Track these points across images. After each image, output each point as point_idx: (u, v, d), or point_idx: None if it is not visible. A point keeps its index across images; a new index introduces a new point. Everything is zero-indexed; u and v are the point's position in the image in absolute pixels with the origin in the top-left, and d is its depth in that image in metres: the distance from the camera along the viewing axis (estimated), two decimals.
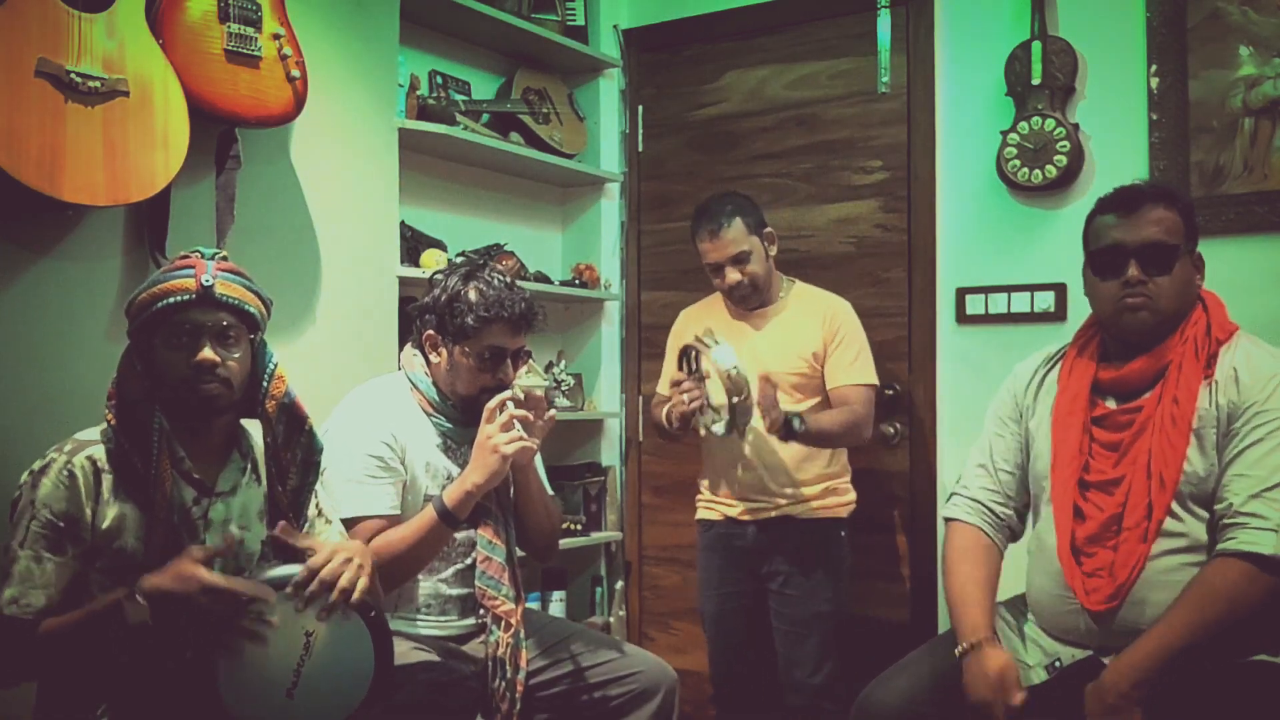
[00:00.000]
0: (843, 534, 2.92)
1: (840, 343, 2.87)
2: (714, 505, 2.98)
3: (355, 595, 1.83)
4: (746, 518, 2.91)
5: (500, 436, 2.23)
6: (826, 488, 2.89)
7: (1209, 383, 2.02)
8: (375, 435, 2.30)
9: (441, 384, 2.39)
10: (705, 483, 3.03)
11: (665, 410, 2.80)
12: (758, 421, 2.68)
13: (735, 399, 2.54)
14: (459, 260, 2.66)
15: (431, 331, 2.37)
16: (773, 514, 2.88)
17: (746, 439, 2.81)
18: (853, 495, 2.96)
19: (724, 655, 3.01)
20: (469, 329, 2.30)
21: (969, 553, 2.19)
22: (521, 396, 2.31)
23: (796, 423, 2.66)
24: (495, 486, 2.29)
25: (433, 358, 2.39)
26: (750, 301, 2.92)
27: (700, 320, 3.00)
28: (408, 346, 2.49)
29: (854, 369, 2.87)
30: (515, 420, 2.25)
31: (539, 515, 2.47)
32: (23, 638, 1.73)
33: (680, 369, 2.73)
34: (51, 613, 1.75)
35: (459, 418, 2.39)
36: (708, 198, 2.99)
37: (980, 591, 2.12)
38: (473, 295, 2.31)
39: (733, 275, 2.84)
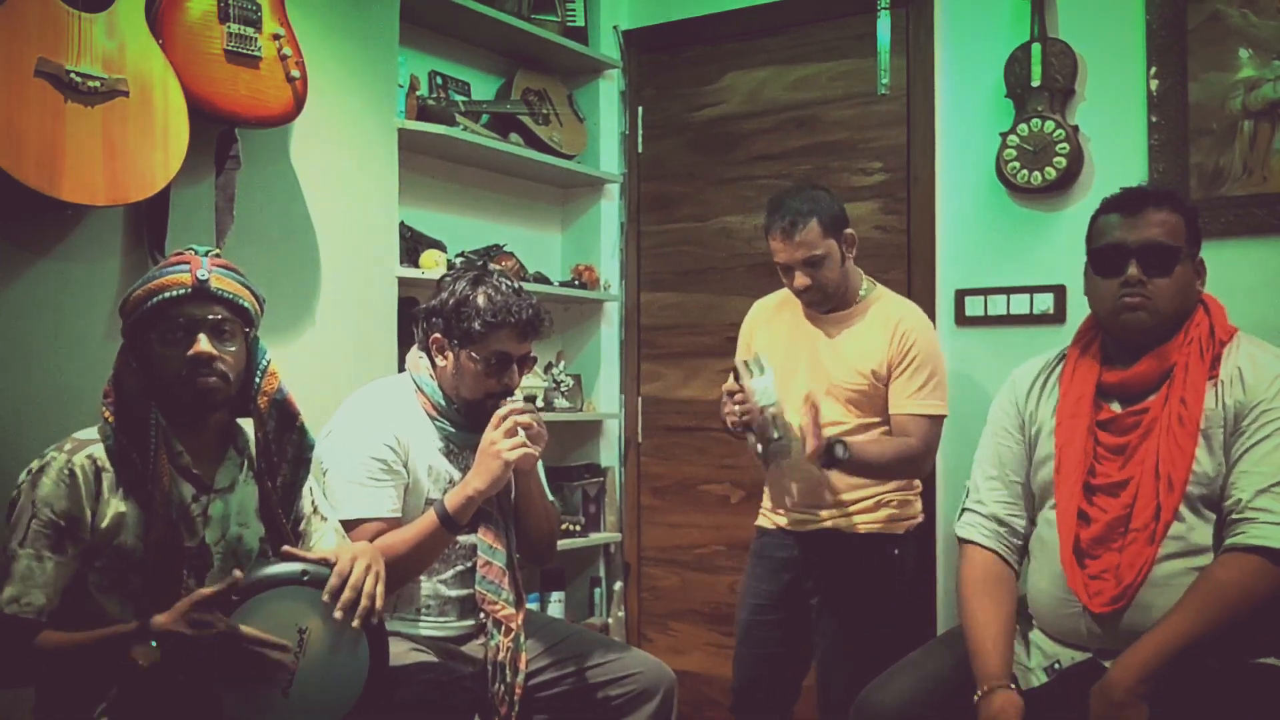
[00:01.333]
0: (896, 552, 2.71)
1: (908, 365, 2.64)
2: (767, 514, 2.87)
3: (379, 603, 1.84)
4: (794, 529, 2.77)
5: (504, 442, 2.23)
6: (879, 501, 2.70)
7: (1214, 383, 2.02)
8: (378, 438, 2.30)
9: (446, 387, 2.39)
10: (767, 489, 2.90)
11: (723, 413, 2.63)
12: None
13: (769, 438, 2.44)
14: (463, 263, 2.65)
15: (438, 335, 2.36)
16: (817, 527, 2.73)
17: (791, 440, 2.59)
18: (915, 510, 2.77)
19: (747, 664, 2.86)
20: (476, 334, 2.29)
21: (988, 587, 2.14)
22: (526, 403, 2.31)
23: (839, 450, 2.45)
24: (497, 492, 2.29)
25: (438, 361, 2.39)
26: (821, 306, 2.73)
27: (771, 316, 2.87)
28: (414, 349, 2.48)
29: (918, 397, 2.63)
30: (519, 427, 2.25)
31: (538, 519, 2.47)
32: (23, 637, 1.73)
33: (735, 380, 2.56)
34: (50, 612, 1.75)
35: (463, 422, 2.38)
36: (785, 189, 2.78)
37: (1000, 635, 2.08)
38: (481, 300, 2.31)
39: (801, 279, 2.64)
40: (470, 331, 2.30)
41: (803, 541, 2.77)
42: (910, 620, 2.82)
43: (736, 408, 2.48)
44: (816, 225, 2.61)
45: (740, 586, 2.98)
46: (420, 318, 2.43)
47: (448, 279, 2.41)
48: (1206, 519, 1.99)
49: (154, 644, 1.68)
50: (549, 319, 2.40)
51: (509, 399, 2.32)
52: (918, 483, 2.81)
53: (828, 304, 2.74)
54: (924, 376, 2.65)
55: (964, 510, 2.26)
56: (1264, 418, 1.97)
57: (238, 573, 1.76)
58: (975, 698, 2.02)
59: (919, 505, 2.80)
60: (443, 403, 2.39)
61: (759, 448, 2.50)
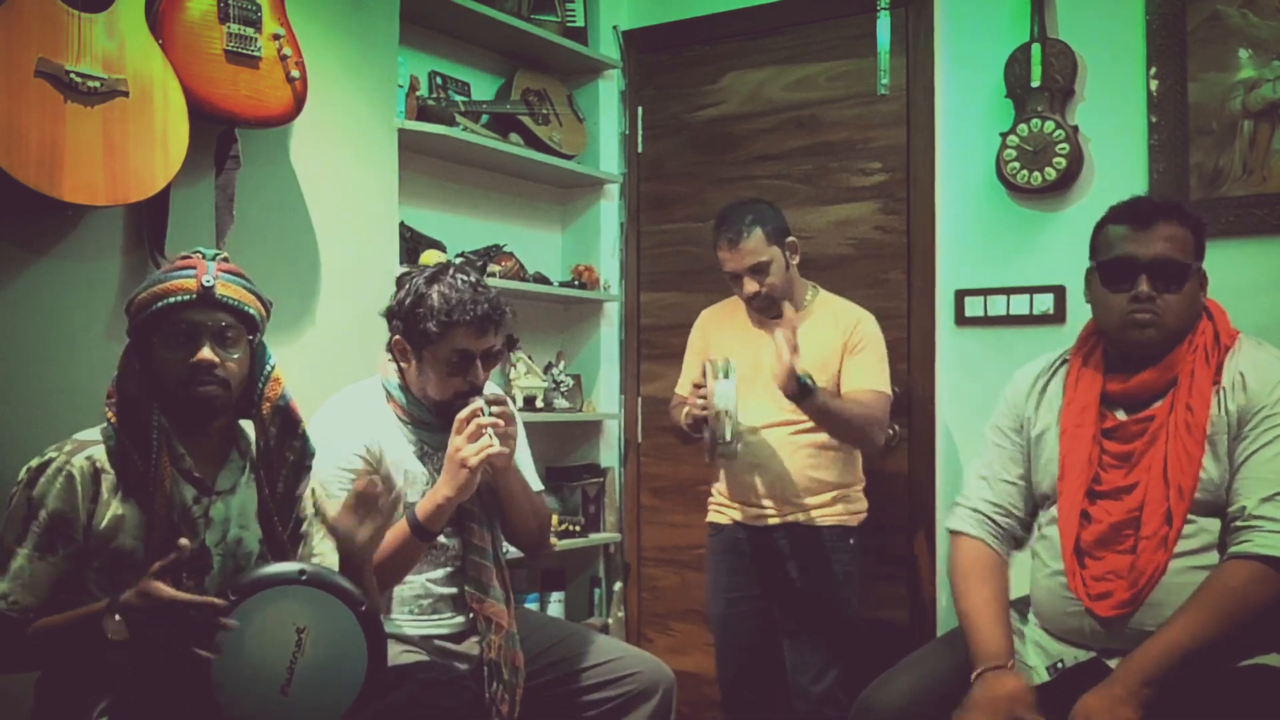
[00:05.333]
0: (851, 541, 2.86)
1: (861, 350, 2.83)
2: (723, 510, 2.95)
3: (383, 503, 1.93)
4: (754, 524, 2.87)
5: (468, 448, 2.19)
6: (836, 495, 2.84)
7: (1217, 389, 2.02)
8: (349, 448, 2.27)
9: (414, 389, 2.35)
10: (718, 486, 2.99)
11: (683, 411, 2.79)
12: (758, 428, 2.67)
13: (721, 439, 2.62)
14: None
15: (399, 337, 2.32)
16: (779, 520, 2.84)
17: (739, 444, 2.74)
18: (864, 504, 2.92)
19: (730, 659, 2.97)
20: (433, 334, 2.24)
21: (977, 569, 2.17)
22: (486, 405, 2.25)
23: (809, 379, 2.60)
24: (468, 497, 2.25)
25: (402, 364, 2.35)
26: (769, 311, 2.86)
27: (721, 322, 3.01)
28: (383, 352, 2.45)
29: (869, 374, 2.81)
30: (485, 428, 2.21)
31: (524, 514, 2.44)
32: (10, 634, 1.74)
33: (702, 376, 2.70)
34: (39, 612, 1.75)
35: (434, 423, 2.35)
36: (730, 203, 2.94)
37: (993, 613, 2.09)
38: (435, 299, 2.25)
39: (750, 286, 2.80)
40: (427, 332, 2.24)
41: (767, 535, 2.86)
42: (852, 603, 2.91)
43: (700, 401, 2.65)
44: (760, 234, 2.79)
45: (707, 584, 3.03)
46: (386, 319, 2.38)
47: (405, 278, 2.36)
48: (1213, 523, 2.00)
49: (118, 618, 1.67)
50: (509, 310, 2.34)
51: (475, 398, 2.27)
52: (863, 477, 2.94)
53: (775, 309, 2.84)
54: (876, 360, 2.85)
55: (955, 505, 2.30)
56: (1266, 423, 1.97)
57: (184, 541, 1.71)
58: (973, 676, 2.02)
59: (865, 501, 2.94)
60: (411, 406, 2.36)
61: (710, 446, 2.68)
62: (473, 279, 2.31)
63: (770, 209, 2.88)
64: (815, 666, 2.82)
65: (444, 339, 2.25)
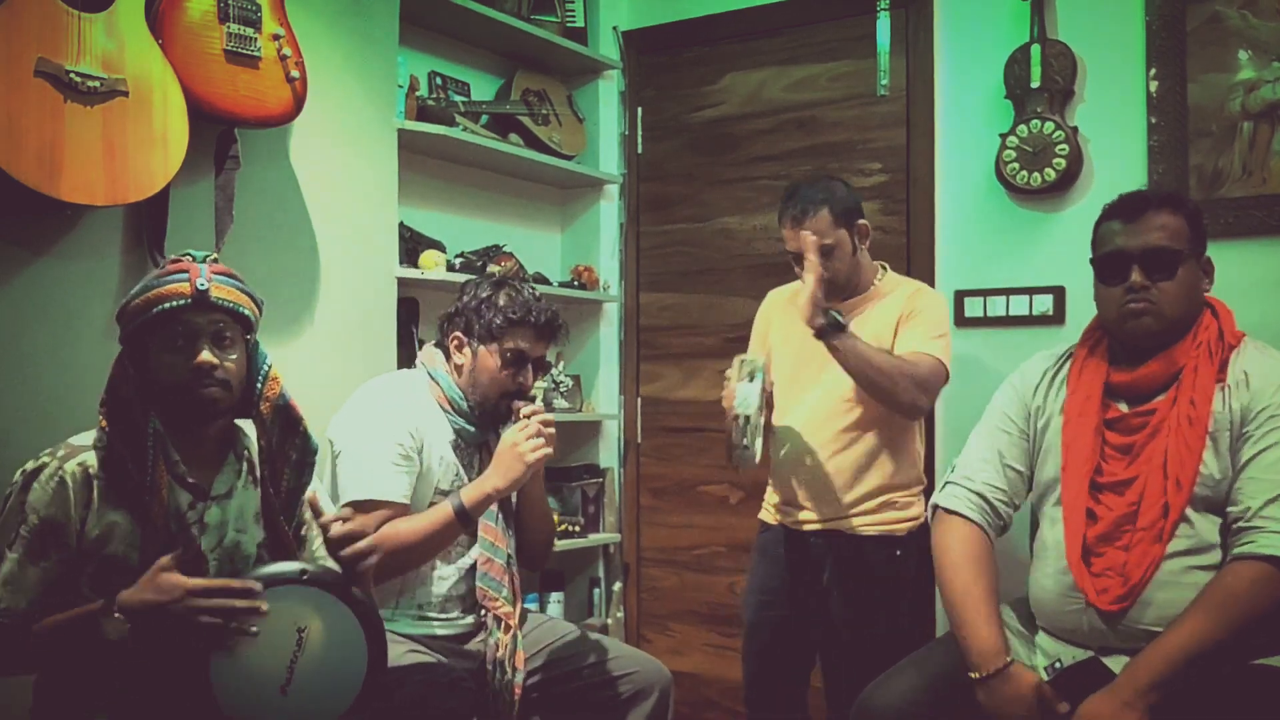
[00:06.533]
0: (898, 553, 2.66)
1: (911, 318, 2.64)
2: (769, 509, 2.85)
3: (365, 563, 1.87)
4: (796, 527, 2.75)
5: (526, 444, 2.27)
6: (884, 501, 2.67)
7: (1222, 386, 2.03)
8: (401, 425, 2.33)
9: (463, 385, 2.43)
10: (771, 483, 2.88)
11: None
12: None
13: (735, 443, 2.44)
14: (486, 275, 2.72)
15: (458, 333, 2.43)
16: (820, 526, 2.70)
17: (755, 452, 2.57)
18: (918, 510, 2.70)
19: (754, 663, 2.84)
20: (496, 329, 2.37)
21: (972, 558, 2.15)
22: (543, 407, 2.39)
23: (838, 314, 2.46)
24: (514, 491, 2.32)
25: (456, 358, 2.44)
26: (831, 295, 2.66)
27: (786, 306, 2.84)
28: (428, 345, 2.53)
29: (918, 338, 2.60)
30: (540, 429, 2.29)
31: (539, 521, 2.50)
32: (3, 639, 1.74)
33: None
34: (30, 617, 1.75)
35: (473, 420, 2.42)
36: (800, 180, 2.79)
37: (989, 606, 2.08)
38: (502, 300, 2.41)
39: None
40: (491, 327, 2.38)
41: (805, 540, 2.75)
42: (911, 621, 2.80)
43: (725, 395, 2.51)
44: (827, 214, 2.61)
45: (745, 583, 2.97)
46: (440, 322, 2.50)
47: (469, 285, 2.49)
48: (1211, 519, 2.00)
49: (118, 616, 1.68)
50: (566, 326, 2.49)
51: (525, 401, 2.37)
52: (923, 478, 2.79)
53: (837, 294, 2.71)
54: (928, 326, 2.62)
55: (947, 483, 2.26)
56: (1270, 423, 1.97)
57: (231, 533, 1.75)
58: (974, 676, 2.01)
59: (922, 505, 2.76)
60: (456, 397, 2.42)
61: (727, 446, 2.51)
62: (537, 292, 2.48)
63: (843, 188, 2.71)
64: (844, 684, 2.62)
65: (506, 335, 2.38)
